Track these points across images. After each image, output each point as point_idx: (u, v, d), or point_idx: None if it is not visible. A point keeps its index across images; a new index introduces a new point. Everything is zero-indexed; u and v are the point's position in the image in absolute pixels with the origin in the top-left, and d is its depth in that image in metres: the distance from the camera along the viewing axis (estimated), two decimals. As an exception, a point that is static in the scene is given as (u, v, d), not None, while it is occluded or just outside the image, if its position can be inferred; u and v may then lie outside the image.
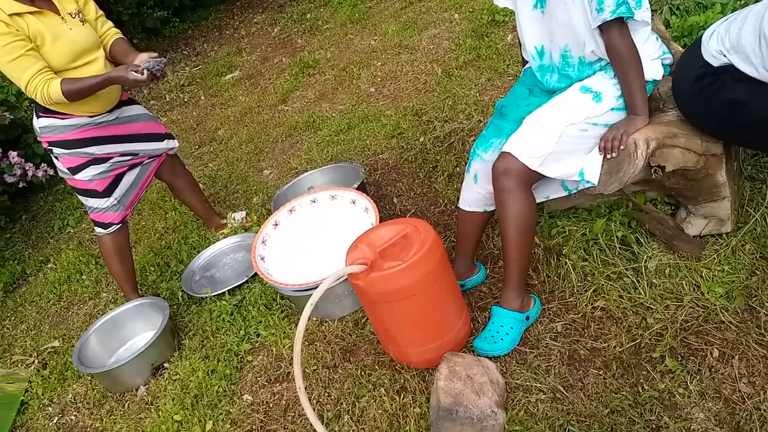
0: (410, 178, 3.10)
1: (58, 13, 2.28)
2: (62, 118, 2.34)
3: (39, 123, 2.37)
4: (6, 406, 2.52)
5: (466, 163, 3.01)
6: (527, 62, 2.17)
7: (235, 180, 3.69)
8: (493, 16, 4.28)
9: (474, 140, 3.18)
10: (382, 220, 2.42)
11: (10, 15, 2.13)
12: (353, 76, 4.41)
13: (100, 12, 2.48)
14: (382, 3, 5.65)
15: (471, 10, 4.62)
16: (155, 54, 2.28)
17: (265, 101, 4.64)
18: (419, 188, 2.99)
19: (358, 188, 2.74)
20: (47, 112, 2.33)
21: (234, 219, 3.13)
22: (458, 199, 2.67)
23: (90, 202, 2.52)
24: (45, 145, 2.42)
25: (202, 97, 5.21)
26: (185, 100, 5.29)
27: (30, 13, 2.19)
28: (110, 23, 2.51)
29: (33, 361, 2.78)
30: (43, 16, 2.23)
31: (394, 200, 2.98)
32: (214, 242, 3.05)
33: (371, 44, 4.87)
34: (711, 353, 1.77)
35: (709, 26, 2.64)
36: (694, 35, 2.78)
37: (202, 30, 7.04)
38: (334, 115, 4.00)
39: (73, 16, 2.32)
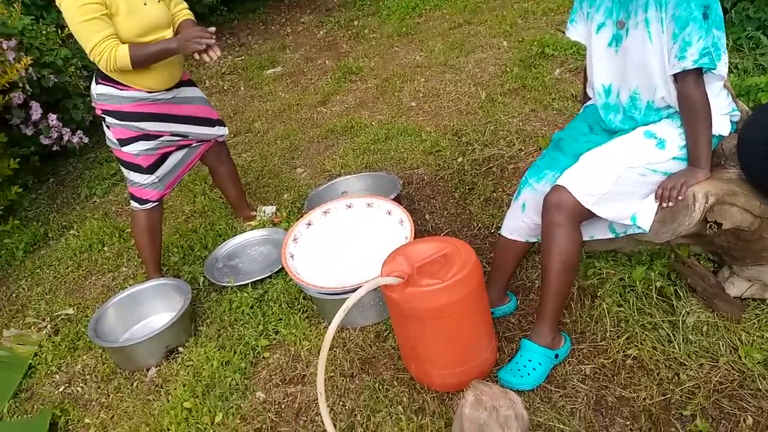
0: (445, 196, 3.07)
1: None
2: (121, 89, 2.35)
3: (97, 89, 2.37)
4: (14, 367, 2.50)
5: (503, 190, 3.00)
6: (588, 99, 2.16)
7: (267, 174, 3.68)
8: (542, 48, 4.28)
9: (513, 168, 3.21)
10: (414, 234, 2.39)
11: None
12: (395, 88, 4.41)
13: None
14: (430, 21, 5.67)
15: (521, 39, 4.62)
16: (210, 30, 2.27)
17: (304, 100, 4.64)
18: (453, 208, 2.97)
19: (393, 200, 2.72)
20: (107, 80, 2.33)
21: (264, 212, 3.12)
22: (495, 226, 2.65)
23: (132, 175, 2.51)
24: (98, 112, 2.42)
25: (242, 88, 5.22)
26: (225, 88, 5.30)
27: None
28: (184, 3, 2.53)
29: (45, 326, 2.76)
30: None
31: (427, 216, 2.95)
32: (241, 232, 3.03)
33: (416, 59, 4.87)
34: (744, 420, 1.73)
35: (769, 89, 2.63)
36: (752, 96, 2.77)
37: (248, 22, 7.09)
38: (373, 123, 3.99)
39: None
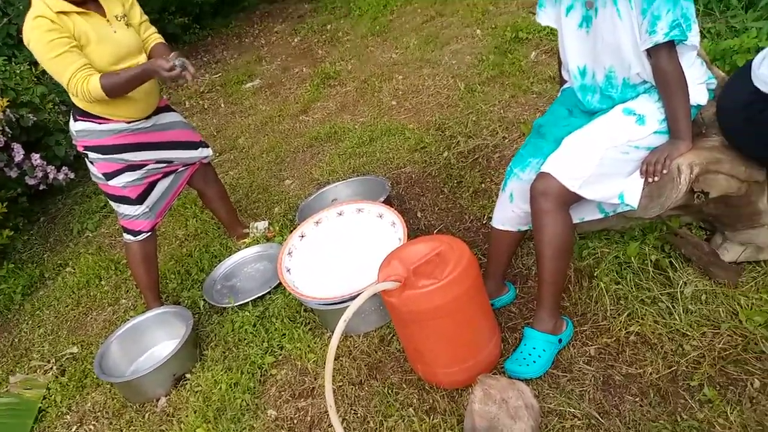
0: (434, 192, 3.08)
1: (104, 15, 2.29)
2: (99, 123, 2.34)
3: (76, 126, 2.36)
4: (24, 413, 2.49)
5: (491, 180, 3.00)
6: (565, 81, 2.16)
7: (256, 189, 3.68)
8: (516, 33, 4.28)
9: (499, 157, 3.21)
10: (407, 235, 2.39)
11: (57, 13, 2.15)
12: (375, 89, 4.41)
13: (145, 17, 2.49)
14: (403, 17, 5.66)
15: (494, 26, 4.62)
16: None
17: (285, 111, 4.64)
18: (444, 203, 2.97)
19: (383, 202, 2.73)
20: (85, 115, 2.33)
21: (256, 228, 3.12)
22: (487, 217, 2.65)
23: (122, 208, 2.51)
24: (80, 149, 2.41)
25: (222, 105, 5.21)
26: (205, 107, 5.30)
27: (77, 13, 2.21)
28: (153, 28, 2.52)
29: (51, 367, 2.75)
30: (89, 17, 2.24)
31: (418, 214, 2.95)
32: (236, 251, 3.03)
33: (392, 57, 4.87)
34: (752, 383, 1.74)
35: (743, 51, 2.64)
36: (727, 60, 2.77)
37: (221, 37, 7.07)
38: (356, 126, 3.99)
39: (119, 19, 2.33)
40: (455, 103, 3.81)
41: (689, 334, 1.91)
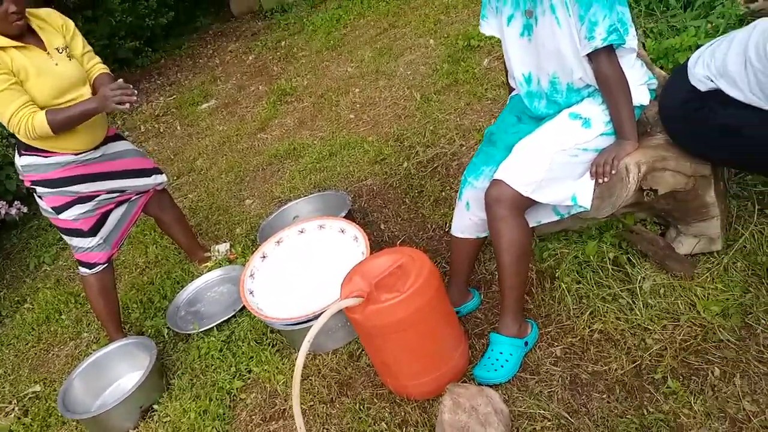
0: (396, 203, 3.09)
1: (44, 48, 2.24)
2: (46, 156, 2.28)
3: (21, 161, 2.30)
4: (-15, 457, 2.41)
5: (451, 187, 3.02)
6: (513, 89, 2.19)
7: (217, 211, 3.64)
8: (468, 41, 4.34)
9: (457, 164, 3.24)
10: (371, 248, 2.39)
11: None
12: (332, 103, 4.41)
13: (88, 47, 2.44)
14: (356, 30, 5.69)
15: (446, 35, 4.68)
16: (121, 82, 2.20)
17: (243, 130, 4.60)
18: (406, 214, 2.98)
19: (345, 216, 2.72)
20: (30, 149, 2.27)
21: (218, 251, 3.08)
22: (448, 225, 2.67)
23: (75, 241, 2.45)
24: (27, 184, 2.35)
25: (178, 127, 5.15)
26: (161, 130, 5.22)
27: (14, 47, 2.15)
28: (97, 58, 2.46)
29: (13, 408, 2.66)
30: (28, 51, 2.19)
31: (382, 226, 2.96)
32: (198, 276, 2.99)
33: (348, 71, 4.88)
34: (712, 372, 1.78)
35: (684, 49, 2.72)
36: (670, 58, 2.85)
37: (175, 59, 7.00)
38: (315, 142, 3.98)
39: (60, 51, 2.28)
40: (412, 113, 3.84)
41: (650, 328, 1.95)
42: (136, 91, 2.15)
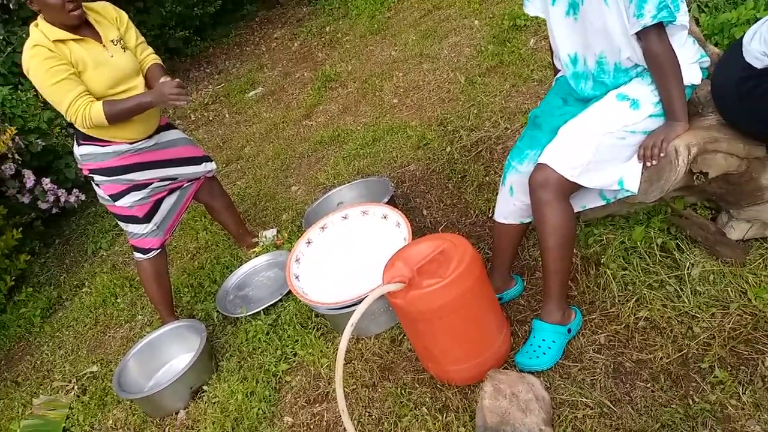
0: (439, 189, 3.08)
1: (100, 41, 2.33)
2: (102, 146, 2.38)
3: (79, 151, 2.41)
4: (49, 432, 2.55)
5: (495, 172, 2.99)
6: (559, 71, 2.15)
7: (264, 197, 3.71)
8: (514, 21, 4.25)
9: (502, 148, 3.20)
10: (413, 233, 2.40)
11: (53, 41, 2.19)
12: (376, 88, 4.41)
13: (141, 38, 2.53)
14: (400, 13, 5.65)
15: (491, 15, 4.59)
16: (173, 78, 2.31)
17: (289, 117, 4.66)
18: (449, 199, 2.97)
19: (387, 202, 2.73)
20: (87, 139, 2.37)
21: (265, 237, 3.14)
22: (492, 210, 2.65)
23: (130, 228, 2.55)
24: (85, 173, 2.46)
25: (227, 115, 5.25)
26: (210, 118, 5.34)
27: (73, 40, 2.25)
28: (150, 49, 2.55)
29: (73, 387, 2.81)
30: (85, 44, 2.28)
31: (424, 212, 2.96)
32: (247, 261, 3.06)
33: (392, 55, 4.86)
34: (763, 362, 1.72)
35: (741, 23, 2.60)
36: (726, 33, 2.73)
37: (223, 48, 7.11)
38: (358, 128, 4.00)
39: (115, 43, 2.36)
40: (456, 96, 3.80)
41: (698, 316, 1.90)
42: (191, 91, 2.23)
